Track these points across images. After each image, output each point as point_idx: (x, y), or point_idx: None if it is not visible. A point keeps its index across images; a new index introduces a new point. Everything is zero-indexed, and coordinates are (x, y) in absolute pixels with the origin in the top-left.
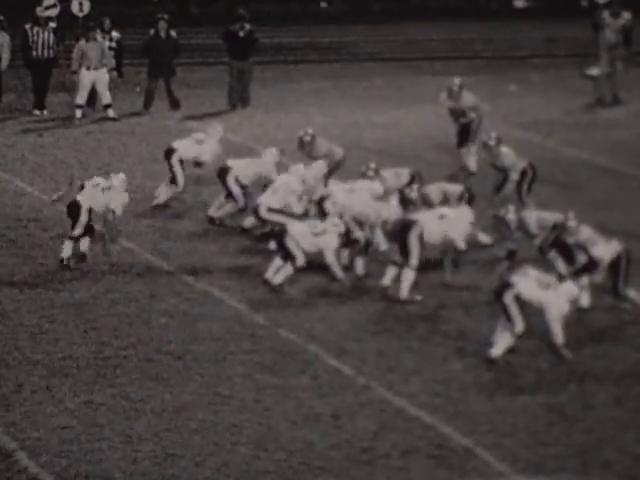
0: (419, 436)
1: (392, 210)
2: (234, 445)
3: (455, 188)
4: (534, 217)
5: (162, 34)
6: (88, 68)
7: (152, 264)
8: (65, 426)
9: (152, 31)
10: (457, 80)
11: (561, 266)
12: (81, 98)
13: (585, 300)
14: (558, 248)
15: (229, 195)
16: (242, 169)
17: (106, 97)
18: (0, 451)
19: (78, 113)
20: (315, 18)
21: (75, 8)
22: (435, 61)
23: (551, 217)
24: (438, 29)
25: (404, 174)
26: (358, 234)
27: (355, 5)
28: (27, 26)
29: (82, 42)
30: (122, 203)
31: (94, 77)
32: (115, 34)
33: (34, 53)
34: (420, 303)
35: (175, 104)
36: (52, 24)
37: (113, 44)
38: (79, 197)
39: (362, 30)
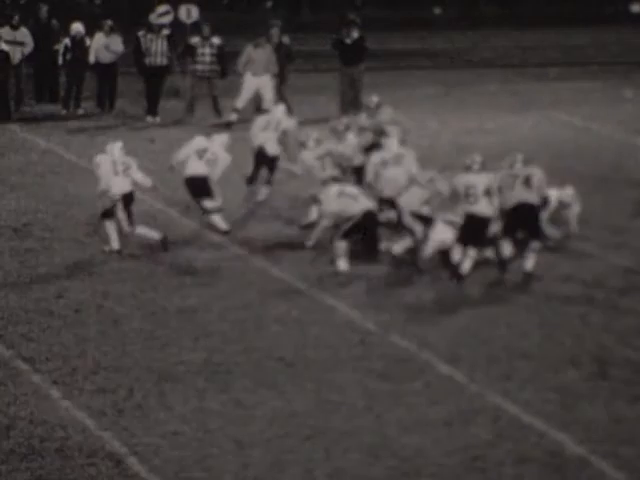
0: (533, 444)
1: None
2: (345, 452)
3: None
4: None
5: (274, 40)
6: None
7: (264, 270)
8: (176, 432)
9: (264, 37)
10: (375, 98)
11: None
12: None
13: None
14: None
15: None
16: None
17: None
18: (112, 456)
19: (233, 116)
20: (428, 24)
21: (183, 14)
22: (548, 67)
23: None
24: (551, 35)
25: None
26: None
27: (468, 11)
28: (140, 33)
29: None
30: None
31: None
32: (216, 40)
33: (147, 60)
34: (535, 310)
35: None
36: (165, 31)
37: (214, 50)
38: None
39: (475, 36)
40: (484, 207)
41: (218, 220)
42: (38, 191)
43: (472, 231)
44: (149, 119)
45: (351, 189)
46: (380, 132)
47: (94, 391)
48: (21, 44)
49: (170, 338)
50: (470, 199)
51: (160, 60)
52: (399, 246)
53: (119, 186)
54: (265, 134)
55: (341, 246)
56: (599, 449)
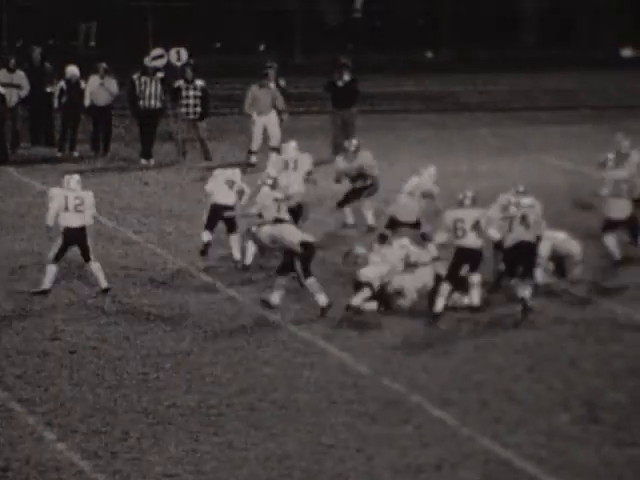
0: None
1: None
2: None
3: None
4: None
5: (271, 82)
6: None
7: (256, 312)
8: (169, 474)
9: (266, 79)
10: (354, 141)
11: None
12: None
13: None
14: None
15: None
16: None
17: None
18: None
19: (253, 159)
20: (420, 67)
21: (173, 57)
22: (539, 111)
23: None
24: (542, 79)
25: None
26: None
27: (460, 55)
28: (134, 76)
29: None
30: None
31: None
32: (199, 82)
33: (141, 103)
34: (526, 353)
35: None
36: (160, 74)
37: (198, 92)
38: None
39: (467, 79)
40: (472, 240)
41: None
42: (34, 233)
43: (463, 264)
44: (143, 162)
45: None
46: (360, 175)
47: (89, 433)
48: (17, 87)
49: (164, 381)
50: (458, 233)
51: (154, 103)
52: (358, 298)
53: (67, 221)
54: (287, 175)
55: (279, 281)
56: None
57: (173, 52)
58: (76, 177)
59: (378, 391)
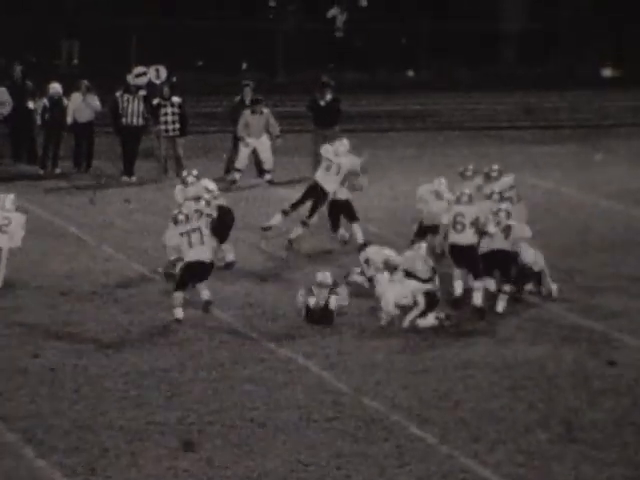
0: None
1: None
2: None
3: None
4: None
5: (247, 100)
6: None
7: (236, 330)
8: None
9: (237, 98)
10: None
11: None
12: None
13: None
14: None
15: None
16: None
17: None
18: None
19: (236, 176)
20: (401, 86)
21: (152, 75)
22: (520, 130)
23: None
24: (523, 97)
25: None
26: None
27: (440, 74)
28: (118, 93)
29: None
30: None
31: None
32: (176, 99)
33: (124, 120)
34: (505, 371)
35: (261, 172)
36: (142, 92)
37: (175, 109)
38: None
39: (447, 98)
40: (470, 237)
41: None
42: (15, 250)
43: (458, 260)
44: (125, 179)
45: (196, 237)
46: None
47: (68, 450)
48: (1, 104)
49: (143, 398)
50: (457, 227)
51: (136, 120)
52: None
53: None
54: (330, 178)
55: (177, 296)
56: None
57: (152, 70)
58: (11, 197)
59: (357, 409)
